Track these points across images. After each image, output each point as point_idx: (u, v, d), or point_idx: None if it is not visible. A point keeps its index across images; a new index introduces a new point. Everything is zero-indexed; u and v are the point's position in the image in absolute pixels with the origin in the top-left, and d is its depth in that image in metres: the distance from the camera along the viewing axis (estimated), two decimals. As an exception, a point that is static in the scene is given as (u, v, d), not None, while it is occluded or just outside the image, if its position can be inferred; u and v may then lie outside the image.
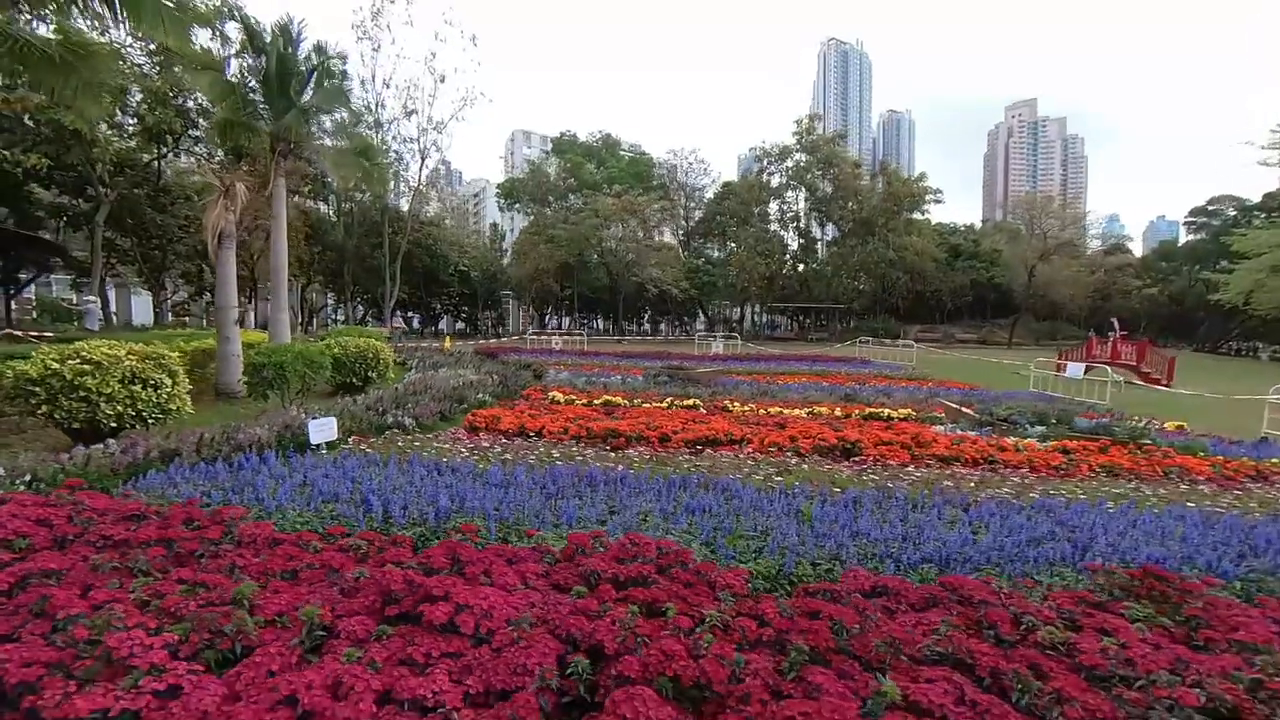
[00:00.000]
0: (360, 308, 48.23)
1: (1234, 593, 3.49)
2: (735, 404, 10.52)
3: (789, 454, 6.91)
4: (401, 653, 2.02)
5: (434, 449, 6.02)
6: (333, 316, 50.25)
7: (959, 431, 8.86)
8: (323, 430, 6.72)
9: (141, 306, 38.66)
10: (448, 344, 26.18)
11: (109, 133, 18.44)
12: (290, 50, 11.58)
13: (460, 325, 54.30)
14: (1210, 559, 3.92)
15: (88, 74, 7.70)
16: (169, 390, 6.84)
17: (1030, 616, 2.58)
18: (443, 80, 36.23)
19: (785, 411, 10.02)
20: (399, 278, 38.16)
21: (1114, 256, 54.44)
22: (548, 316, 58.06)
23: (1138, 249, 75.03)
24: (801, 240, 54.68)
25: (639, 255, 41.81)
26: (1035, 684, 2.05)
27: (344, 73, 34.64)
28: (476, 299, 50.74)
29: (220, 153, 24.56)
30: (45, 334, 14.83)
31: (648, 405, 10.31)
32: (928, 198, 49.82)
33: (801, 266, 55.14)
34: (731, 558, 3.51)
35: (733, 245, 51.07)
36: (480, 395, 10.83)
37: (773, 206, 52.59)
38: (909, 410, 10.38)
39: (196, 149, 23.63)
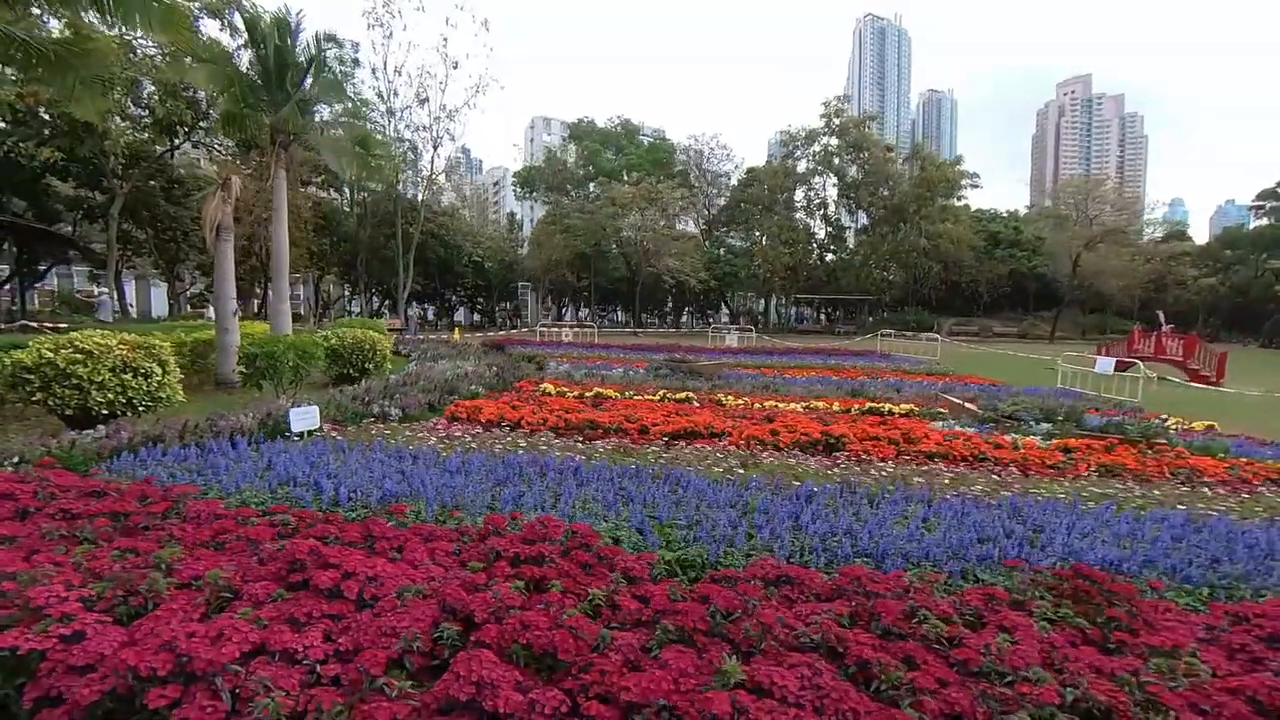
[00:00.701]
0: (376, 299, 49.44)
1: (1199, 598, 3.54)
2: (730, 398, 10.65)
3: (767, 448, 7.04)
4: (289, 613, 2.29)
5: (405, 437, 6.34)
6: (348, 308, 51.59)
7: (957, 428, 8.85)
8: (304, 419, 7.12)
9: (161, 298, 40.41)
10: (456, 336, 26.85)
11: (123, 125, 19.35)
12: (288, 42, 12.04)
13: (476, 317, 55.24)
14: (1176, 562, 3.95)
15: (84, 69, 8.20)
16: (159, 379, 7.32)
17: (926, 611, 2.70)
18: (455, 66, 36.84)
19: (781, 406, 10.12)
20: (412, 269, 39.01)
21: (1169, 244, 52.39)
22: (565, 308, 58.64)
23: (1203, 236, 72.02)
24: (829, 229, 54.03)
25: (656, 245, 41.87)
26: (896, 674, 2.18)
27: (355, 60, 35.61)
28: (492, 290, 51.50)
29: (232, 144, 25.51)
30: (60, 325, 15.73)
31: (640, 398, 10.52)
32: (964, 182, 48.73)
33: (830, 256, 54.49)
34: (659, 545, 3.71)
35: (758, 234, 50.76)
36: (473, 387, 11.18)
37: (799, 194, 52.05)
38: (911, 406, 10.38)
39: (207, 140, 24.60)
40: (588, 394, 10.72)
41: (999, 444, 7.68)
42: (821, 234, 53.94)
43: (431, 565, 2.84)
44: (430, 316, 51.75)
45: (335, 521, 3.39)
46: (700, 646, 2.29)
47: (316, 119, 14.29)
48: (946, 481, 5.77)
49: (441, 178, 45.24)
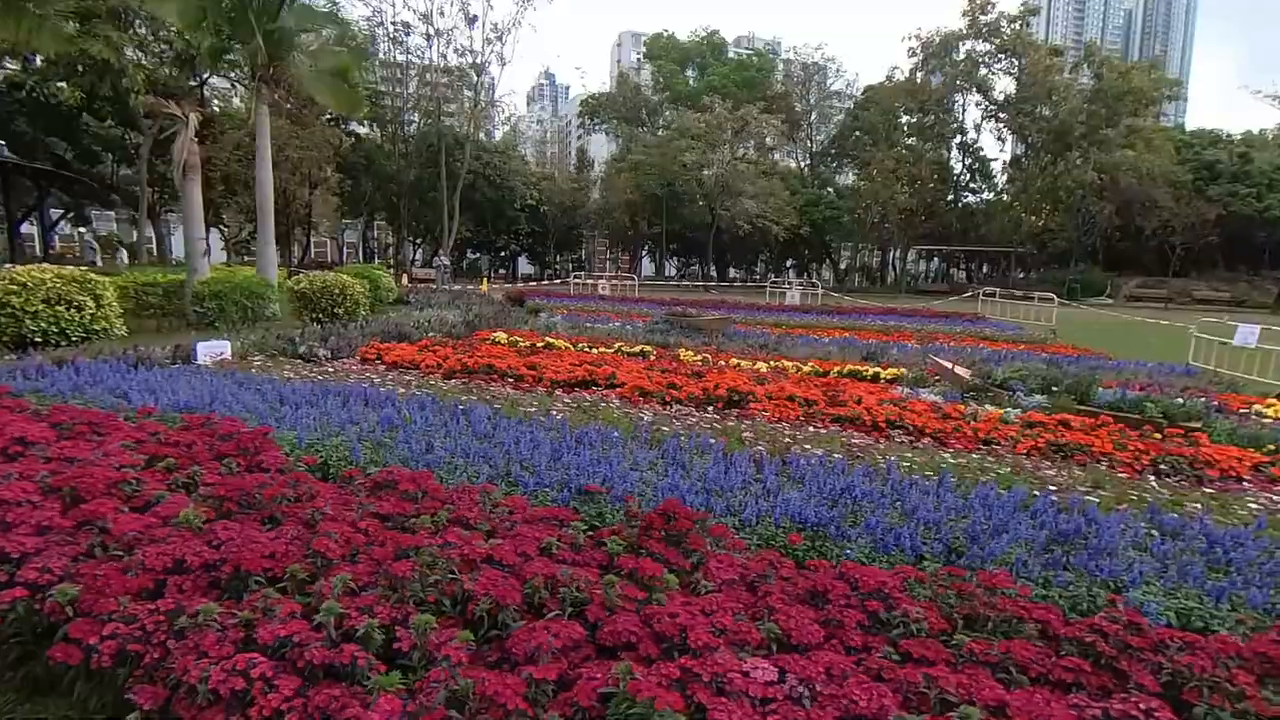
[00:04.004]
0: (427, 247, 53.25)
1: (886, 559, 4.00)
2: (690, 354, 11.34)
3: (652, 399, 7.84)
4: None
5: (277, 370, 7.80)
6: (397, 255, 56.00)
7: (923, 394, 9.06)
8: (212, 351, 8.84)
9: (214, 243, 46.32)
10: (484, 287, 29.04)
11: (141, 60, 22.56)
12: (260, -32, 13.77)
13: (534, 268, 57.92)
14: (903, 532, 4.31)
15: (39, 9, 10.23)
16: (93, 311, 9.32)
17: (468, 519, 3.53)
18: (504, -23, 38.28)
19: (745, 364, 10.73)
20: (458, 213, 41.55)
21: None
22: (640, 258, 59.71)
23: None
24: (969, 161, 50.69)
25: (735, 182, 41.52)
26: (358, 547, 3.08)
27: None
28: (549, 237, 53.51)
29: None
30: (81, 266, 19.15)
31: (595, 350, 11.51)
32: (1158, 93, 43.58)
33: (970, 198, 51.28)
34: (379, 464, 4.79)
35: (871, 169, 48.75)
36: (429, 333, 12.71)
37: (929, 117, 49.12)
38: (896, 371, 10.59)
39: (231, 74, 27.84)
40: (539, 344, 11.85)
41: (947, 414, 7.89)
42: (959, 168, 50.75)
43: (113, 446, 4.10)
44: (483, 267, 54.98)
45: (100, 418, 4.76)
46: (229, 513, 3.37)
47: (303, 50, 16.09)
48: (787, 442, 6.27)
49: (495, 110, 47.40)
